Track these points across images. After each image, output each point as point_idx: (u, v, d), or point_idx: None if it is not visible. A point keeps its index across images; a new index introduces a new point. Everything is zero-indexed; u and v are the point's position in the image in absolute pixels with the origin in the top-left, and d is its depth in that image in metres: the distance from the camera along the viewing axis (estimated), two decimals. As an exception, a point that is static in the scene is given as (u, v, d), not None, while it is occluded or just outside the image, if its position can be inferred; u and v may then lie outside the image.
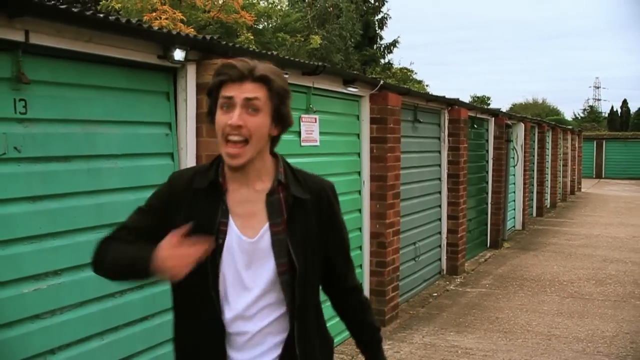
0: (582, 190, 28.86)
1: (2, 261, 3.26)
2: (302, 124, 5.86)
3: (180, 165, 4.39)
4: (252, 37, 14.12)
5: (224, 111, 2.07)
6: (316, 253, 2.24)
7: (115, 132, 3.94)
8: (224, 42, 4.57)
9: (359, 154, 7.10)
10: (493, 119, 12.75)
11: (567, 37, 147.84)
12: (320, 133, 6.18)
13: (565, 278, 9.81)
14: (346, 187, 6.78)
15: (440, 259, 9.89)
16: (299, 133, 5.85)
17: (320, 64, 5.82)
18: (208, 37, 4.46)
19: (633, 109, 57.78)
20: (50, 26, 3.40)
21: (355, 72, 7.04)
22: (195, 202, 2.18)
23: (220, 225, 2.15)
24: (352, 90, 6.64)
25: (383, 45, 31.72)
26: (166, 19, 14.03)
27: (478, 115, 11.85)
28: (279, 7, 17.17)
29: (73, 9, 3.40)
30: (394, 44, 31.76)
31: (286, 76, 5.35)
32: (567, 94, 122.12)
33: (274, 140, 2.21)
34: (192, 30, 13.21)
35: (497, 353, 6.33)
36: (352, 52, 22.63)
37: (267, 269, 2.16)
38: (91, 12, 3.57)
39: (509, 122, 13.53)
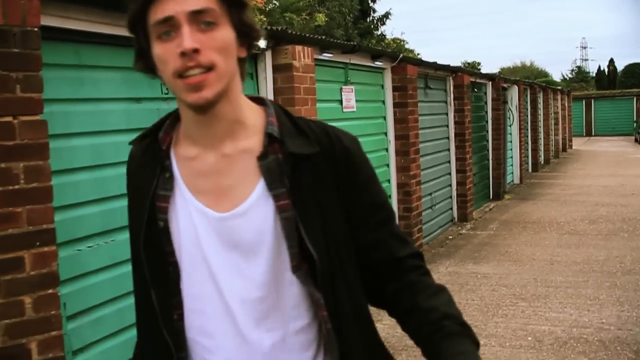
0: (573, 147, 30.26)
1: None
2: (342, 93, 7.13)
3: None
4: (264, 19, 15.28)
5: (163, 41, 1.35)
6: (341, 227, 1.49)
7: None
8: (290, 31, 5.84)
9: (384, 117, 8.38)
10: (490, 83, 14.02)
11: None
12: (356, 101, 7.45)
13: (562, 220, 11.16)
14: (376, 145, 8.07)
15: (451, 208, 11.22)
16: (341, 101, 7.12)
17: (356, 43, 7.09)
18: (279, 27, 5.72)
19: (620, 67, 59.07)
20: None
21: (353, 43, 8.26)
22: (136, 175, 1.56)
23: (158, 199, 1.47)
24: (378, 64, 7.91)
25: (376, 18, 32.76)
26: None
27: (477, 80, 13.12)
28: (284, -12, 18.29)
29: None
30: (387, 15, 32.78)
31: (330, 55, 6.63)
32: (554, 55, 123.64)
33: (242, 67, 1.48)
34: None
35: (510, 275, 7.66)
36: (350, 26, 23.82)
37: (267, 263, 1.44)
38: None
39: (504, 85, 14.84)
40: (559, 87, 28.85)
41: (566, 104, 28.58)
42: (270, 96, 5.68)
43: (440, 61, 10.55)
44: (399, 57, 8.32)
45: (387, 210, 1.57)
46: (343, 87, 7.16)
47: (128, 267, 1.68)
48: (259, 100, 1.55)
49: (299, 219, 1.42)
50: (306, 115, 5.85)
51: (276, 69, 5.68)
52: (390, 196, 8.43)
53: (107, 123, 4.11)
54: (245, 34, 1.42)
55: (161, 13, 1.33)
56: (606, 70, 59.89)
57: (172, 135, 1.51)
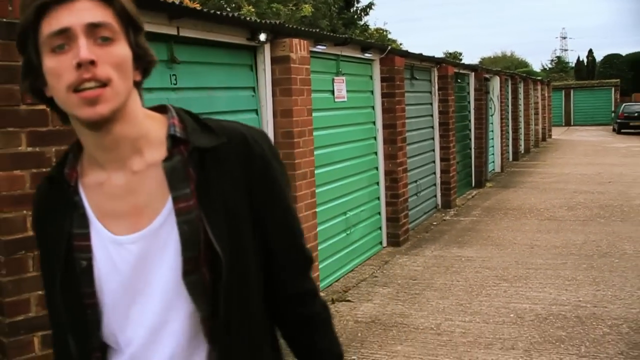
0: (553, 137, 30.80)
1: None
2: (334, 84, 7.44)
3: (261, 119, 5.97)
4: (253, 10, 15.54)
5: (57, 54, 1.29)
6: (248, 232, 1.43)
7: (224, 95, 5.51)
8: (288, 25, 6.14)
9: (373, 107, 8.71)
10: (473, 73, 14.38)
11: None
12: (346, 91, 7.77)
13: (542, 207, 11.57)
14: (365, 134, 8.39)
15: (435, 196, 11.59)
16: (332, 91, 7.43)
17: (347, 36, 7.40)
18: (277, 22, 6.02)
19: (599, 58, 59.66)
20: (192, 23, 4.94)
21: (345, 35, 8.57)
22: (47, 219, 1.47)
23: (76, 239, 1.40)
24: (367, 55, 8.23)
25: (360, 8, 33.03)
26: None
27: (460, 71, 13.48)
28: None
29: (205, 10, 4.95)
30: (370, 6, 33.08)
31: (324, 47, 6.94)
32: (534, 45, 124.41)
33: (139, 91, 1.45)
34: (197, 5, 14.67)
35: (493, 258, 8.04)
36: (335, 17, 24.10)
37: (163, 270, 1.38)
38: (212, 10, 5.12)
39: (486, 75, 15.21)
40: (539, 78, 29.34)
41: (546, 94, 29.07)
42: (268, 87, 5.99)
43: (423, 51, 10.89)
44: (387, 48, 8.64)
45: (295, 232, 1.53)
46: (335, 77, 7.47)
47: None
48: (161, 109, 1.49)
49: (204, 216, 1.36)
50: (302, 105, 6.17)
51: (274, 60, 5.98)
52: (377, 183, 8.77)
53: (122, 111, 4.40)
54: (140, 58, 1.39)
55: (56, 24, 1.27)
56: (585, 60, 60.56)
57: (77, 169, 1.44)
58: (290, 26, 6.21)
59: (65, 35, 1.26)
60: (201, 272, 1.36)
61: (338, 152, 7.52)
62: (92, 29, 1.27)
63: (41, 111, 3.35)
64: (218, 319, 1.37)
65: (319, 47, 6.82)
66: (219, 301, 1.36)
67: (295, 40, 6.05)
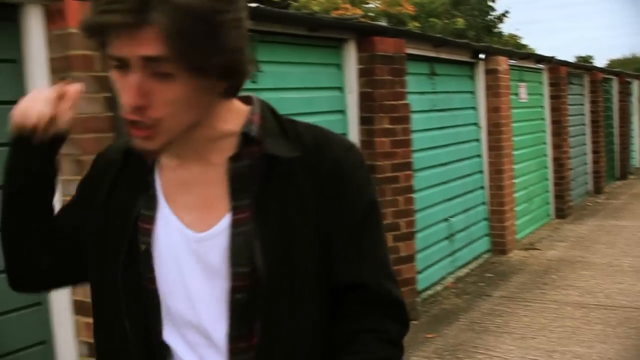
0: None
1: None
2: (519, 88, 9.72)
3: (478, 115, 8.33)
4: (418, 25, 17.99)
5: (118, 72, 1.16)
6: (312, 258, 1.26)
7: (457, 97, 7.90)
8: (494, 47, 8.51)
9: (542, 106, 10.92)
10: (616, 78, 16.23)
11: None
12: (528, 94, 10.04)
13: (683, 192, 13.38)
14: (536, 128, 10.60)
15: (587, 183, 13.61)
16: (517, 94, 9.70)
17: (528, 52, 9.69)
18: (488, 45, 8.39)
19: None
20: (447, 49, 7.36)
21: (526, 52, 10.68)
22: (115, 182, 1.35)
23: (141, 220, 1.29)
24: (539, 66, 10.47)
25: (495, 17, 34.94)
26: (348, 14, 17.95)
27: (605, 76, 15.39)
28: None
29: (459, 41, 7.40)
30: (505, 14, 34.92)
31: (514, 61, 9.25)
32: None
33: (230, 91, 1.25)
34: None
35: (644, 226, 10.10)
36: (480, 27, 26.30)
37: (214, 283, 1.26)
38: (460, 40, 7.54)
39: (627, 80, 17.02)
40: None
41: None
42: (483, 91, 8.33)
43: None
44: (552, 59, 10.85)
45: (374, 243, 1.31)
46: (519, 83, 9.75)
47: None
48: (247, 99, 1.33)
49: (257, 231, 1.22)
50: (505, 104, 8.48)
51: (487, 72, 8.34)
52: (546, 167, 10.96)
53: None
54: (223, 74, 1.17)
55: (115, 49, 1.13)
56: None
57: None
58: (496, 47, 8.58)
59: (123, 62, 1.14)
60: (252, 291, 1.23)
61: (522, 141, 9.78)
62: (148, 61, 1.11)
63: (396, 105, 5.85)
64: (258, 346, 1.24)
65: (510, 61, 9.13)
66: (256, 326, 1.24)
67: (501, 57, 8.39)
